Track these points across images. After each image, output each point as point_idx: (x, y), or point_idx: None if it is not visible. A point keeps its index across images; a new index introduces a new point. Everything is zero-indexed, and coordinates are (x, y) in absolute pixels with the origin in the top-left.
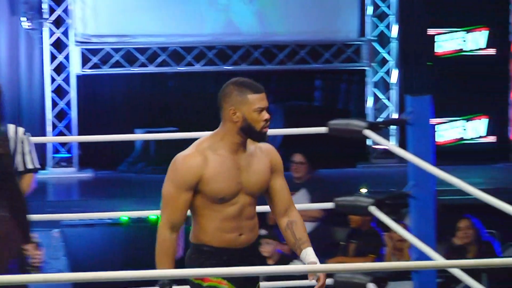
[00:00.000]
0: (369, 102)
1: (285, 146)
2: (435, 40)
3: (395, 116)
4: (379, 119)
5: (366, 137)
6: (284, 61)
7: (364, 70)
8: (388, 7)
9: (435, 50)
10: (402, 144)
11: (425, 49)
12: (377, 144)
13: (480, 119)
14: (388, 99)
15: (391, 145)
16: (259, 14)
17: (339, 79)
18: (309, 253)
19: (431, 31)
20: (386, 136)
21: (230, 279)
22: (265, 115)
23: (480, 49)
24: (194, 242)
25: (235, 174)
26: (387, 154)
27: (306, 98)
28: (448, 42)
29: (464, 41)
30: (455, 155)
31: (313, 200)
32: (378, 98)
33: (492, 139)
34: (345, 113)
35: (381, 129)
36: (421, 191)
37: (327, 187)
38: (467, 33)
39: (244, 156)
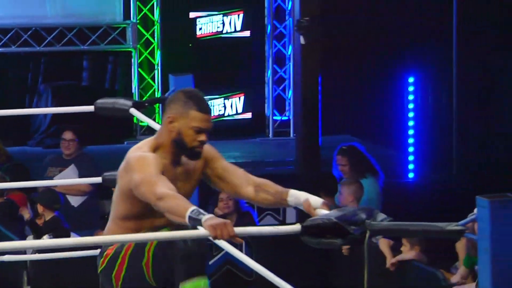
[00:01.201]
0: (135, 82)
1: (55, 124)
2: (196, 23)
3: (159, 94)
4: (144, 98)
5: (132, 115)
6: (53, 43)
7: (130, 51)
8: None
9: (196, 33)
10: None
11: (186, 32)
12: (142, 121)
13: (238, 97)
14: (153, 79)
15: (154, 123)
16: None
17: (106, 60)
18: (296, 194)
19: (192, 15)
20: (152, 113)
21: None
22: (201, 137)
23: (236, 31)
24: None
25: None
26: (151, 130)
27: (75, 78)
28: (207, 25)
29: (222, 24)
30: (216, 131)
31: (82, 175)
32: (143, 78)
33: (248, 115)
34: (112, 93)
35: (146, 107)
36: None
37: (96, 162)
38: (225, 16)
39: (181, 166)
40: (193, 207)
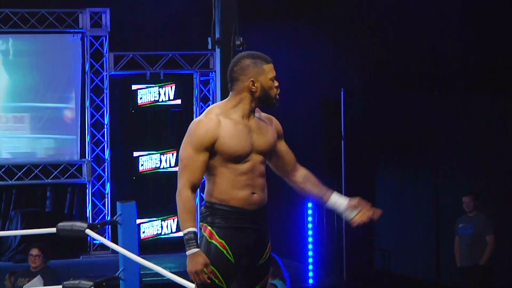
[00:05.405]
0: (89, 208)
1: (23, 243)
2: (139, 160)
3: (108, 218)
4: (97, 221)
5: (87, 235)
6: (22, 178)
7: (85, 183)
8: (103, 135)
9: (139, 168)
10: (115, 239)
11: (130, 167)
12: (96, 239)
13: (173, 219)
14: (104, 205)
15: (106, 240)
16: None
17: (65, 191)
18: (340, 196)
19: (135, 154)
20: (103, 233)
21: (232, 247)
22: (276, 82)
23: (171, 166)
24: (207, 200)
25: (247, 135)
26: (103, 247)
27: (40, 206)
28: (147, 161)
29: (160, 160)
30: (154, 246)
31: (46, 284)
32: (95, 205)
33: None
34: (70, 217)
35: (98, 228)
36: (129, 275)
37: (57, 273)
38: (162, 155)
39: (253, 121)
40: (189, 229)
